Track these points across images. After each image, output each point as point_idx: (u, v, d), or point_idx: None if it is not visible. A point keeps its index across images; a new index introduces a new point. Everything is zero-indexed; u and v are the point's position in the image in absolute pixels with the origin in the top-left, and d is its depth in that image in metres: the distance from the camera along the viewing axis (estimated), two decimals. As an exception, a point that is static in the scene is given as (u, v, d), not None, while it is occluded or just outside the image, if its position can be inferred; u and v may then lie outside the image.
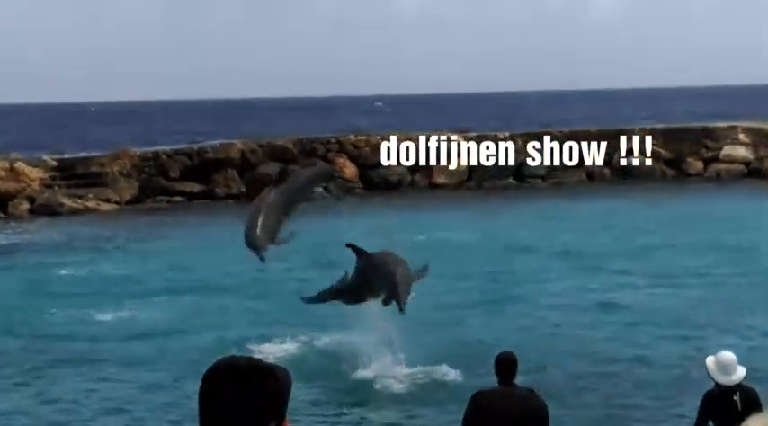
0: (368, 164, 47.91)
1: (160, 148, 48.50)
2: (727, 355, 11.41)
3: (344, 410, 16.85)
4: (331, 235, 34.62)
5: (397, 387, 17.80)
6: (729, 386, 11.23)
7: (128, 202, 44.37)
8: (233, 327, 21.28)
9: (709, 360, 11.46)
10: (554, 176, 49.00)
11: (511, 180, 48.66)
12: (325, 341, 20.26)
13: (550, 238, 33.04)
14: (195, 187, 45.92)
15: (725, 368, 11.30)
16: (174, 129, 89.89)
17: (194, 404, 3.14)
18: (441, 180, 47.93)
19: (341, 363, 18.67)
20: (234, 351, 14.98)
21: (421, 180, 48.07)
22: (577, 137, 50.36)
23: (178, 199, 45.38)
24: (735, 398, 11.04)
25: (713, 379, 11.41)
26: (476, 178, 48.25)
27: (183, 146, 49.71)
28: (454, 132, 51.38)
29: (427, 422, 15.96)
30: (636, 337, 20.85)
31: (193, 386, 3.12)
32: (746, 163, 49.96)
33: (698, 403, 11.71)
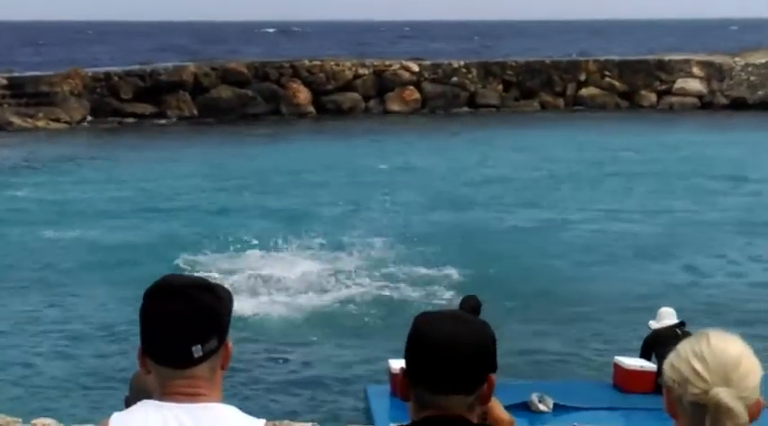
0: (321, 89, 47.69)
1: (112, 69, 47.99)
2: (666, 308, 11.87)
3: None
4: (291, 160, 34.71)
5: None
6: (668, 327, 11.53)
7: (78, 122, 43.97)
8: (184, 248, 21.23)
9: (651, 322, 11.87)
10: (508, 106, 49.05)
11: (465, 108, 48.64)
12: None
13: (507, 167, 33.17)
14: (147, 109, 45.55)
15: (664, 316, 11.68)
16: (132, 50, 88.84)
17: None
18: (395, 107, 47.81)
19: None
20: (183, 271, 15.09)
21: (375, 106, 47.94)
22: (532, 68, 50.44)
23: (130, 120, 45.01)
24: (678, 333, 11.28)
25: (651, 329, 11.76)
26: (429, 106, 48.20)
27: (135, 67, 49.21)
28: (409, 59, 51.24)
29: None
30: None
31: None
32: (699, 96, 50.19)
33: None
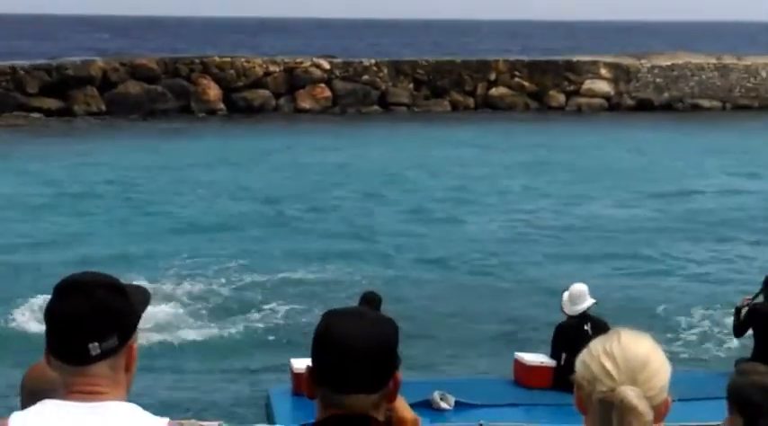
0: (232, 86, 47.40)
1: (17, 63, 47.16)
2: (579, 286, 11.78)
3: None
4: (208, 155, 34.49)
5: None
6: (578, 317, 11.54)
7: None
8: (94, 243, 20.90)
9: (564, 293, 11.78)
10: (418, 105, 49.20)
11: (375, 107, 48.69)
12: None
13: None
14: (53, 104, 44.91)
15: (575, 298, 11.61)
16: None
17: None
18: (306, 105, 47.70)
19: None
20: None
21: (285, 104, 47.78)
22: (442, 67, 50.64)
23: (35, 115, 44.33)
24: (585, 327, 11.35)
25: (563, 311, 11.73)
26: (340, 104, 48.17)
27: (41, 61, 48.47)
28: (319, 57, 51.11)
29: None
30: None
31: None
32: (607, 97, 50.81)
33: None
